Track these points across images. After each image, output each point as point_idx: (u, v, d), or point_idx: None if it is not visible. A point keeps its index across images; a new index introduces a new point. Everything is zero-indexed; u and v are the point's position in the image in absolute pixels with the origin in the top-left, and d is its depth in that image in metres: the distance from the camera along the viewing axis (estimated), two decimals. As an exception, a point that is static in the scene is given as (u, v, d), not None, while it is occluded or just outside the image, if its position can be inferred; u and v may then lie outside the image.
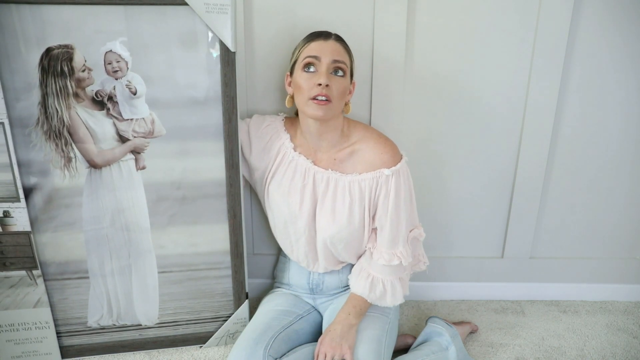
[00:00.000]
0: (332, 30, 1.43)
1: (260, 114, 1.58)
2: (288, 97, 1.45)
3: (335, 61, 1.36)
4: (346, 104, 1.44)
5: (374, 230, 1.49)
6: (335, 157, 1.46)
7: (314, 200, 1.47)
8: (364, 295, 1.47)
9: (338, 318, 1.46)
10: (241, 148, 1.51)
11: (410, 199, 1.48)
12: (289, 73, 1.44)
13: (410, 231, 1.51)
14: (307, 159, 1.47)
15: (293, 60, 1.42)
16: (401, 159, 1.45)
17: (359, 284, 1.48)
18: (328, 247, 1.50)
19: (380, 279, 1.47)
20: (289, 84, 1.44)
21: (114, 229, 1.49)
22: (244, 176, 1.57)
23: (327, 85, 1.33)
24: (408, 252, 1.48)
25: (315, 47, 1.37)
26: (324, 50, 1.36)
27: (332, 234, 1.46)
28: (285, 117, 1.55)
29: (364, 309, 1.48)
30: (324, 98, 1.34)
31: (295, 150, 1.48)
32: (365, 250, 1.51)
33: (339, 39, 1.41)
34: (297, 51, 1.40)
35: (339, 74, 1.37)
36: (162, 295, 1.58)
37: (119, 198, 1.46)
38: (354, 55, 1.45)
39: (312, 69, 1.36)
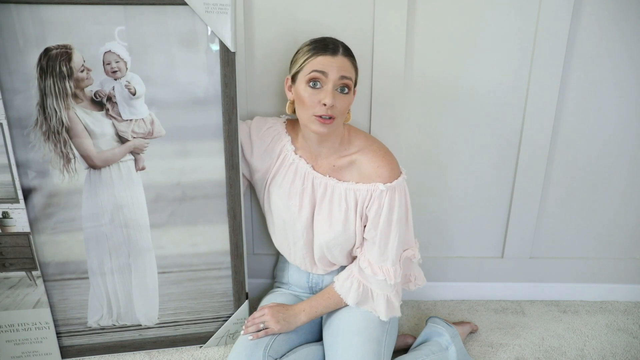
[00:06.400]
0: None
1: (261, 116, 1.57)
2: (288, 103, 1.42)
3: (343, 77, 1.31)
4: (347, 112, 1.42)
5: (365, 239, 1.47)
6: (334, 164, 1.45)
7: (312, 204, 1.47)
8: (351, 304, 1.46)
9: (302, 306, 1.48)
10: (242, 149, 1.50)
11: (405, 218, 1.44)
12: (289, 77, 1.41)
13: (404, 251, 1.48)
14: (307, 163, 1.46)
15: (296, 69, 1.36)
16: (399, 175, 1.41)
17: (349, 294, 1.46)
18: (324, 251, 1.49)
19: (370, 289, 1.45)
20: (289, 89, 1.41)
21: (113, 226, 1.48)
22: (245, 177, 1.57)
23: (332, 106, 1.31)
24: (396, 272, 1.44)
25: (322, 62, 1.31)
26: (332, 67, 1.31)
27: (329, 239, 1.46)
28: (287, 119, 1.54)
29: (324, 311, 1.48)
30: (328, 117, 1.32)
31: (296, 153, 1.48)
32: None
33: (346, 52, 1.35)
34: (302, 61, 1.34)
35: (344, 92, 1.33)
36: (162, 296, 1.58)
37: (118, 195, 1.45)
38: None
39: (317, 85, 1.32)
